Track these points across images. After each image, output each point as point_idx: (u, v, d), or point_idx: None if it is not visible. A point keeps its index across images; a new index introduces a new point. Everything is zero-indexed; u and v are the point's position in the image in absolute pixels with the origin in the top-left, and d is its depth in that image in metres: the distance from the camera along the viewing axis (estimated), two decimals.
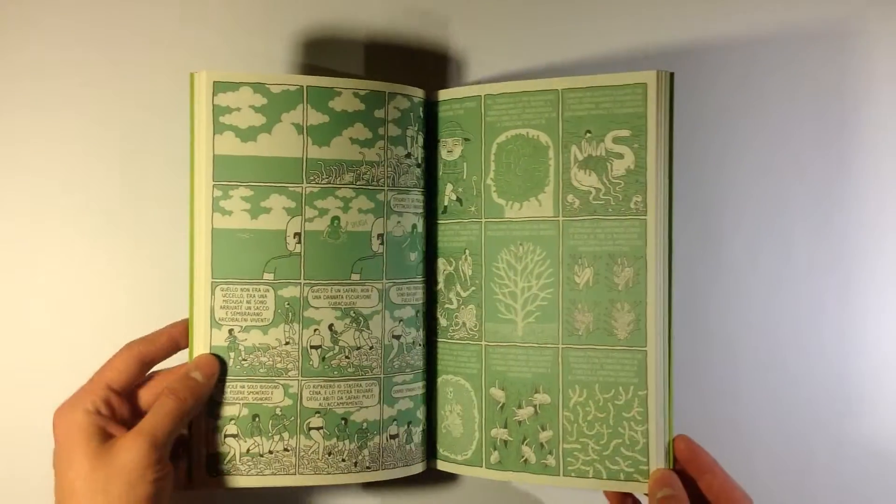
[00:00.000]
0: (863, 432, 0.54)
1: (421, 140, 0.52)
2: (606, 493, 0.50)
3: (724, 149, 0.55)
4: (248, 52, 0.55)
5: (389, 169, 0.50)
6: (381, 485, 0.55)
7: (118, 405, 0.45)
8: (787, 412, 0.55)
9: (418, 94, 0.51)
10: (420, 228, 0.52)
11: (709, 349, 0.55)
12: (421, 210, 0.52)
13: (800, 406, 0.55)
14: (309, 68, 0.56)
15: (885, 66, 0.54)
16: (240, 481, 0.48)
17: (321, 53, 0.56)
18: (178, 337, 0.48)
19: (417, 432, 0.51)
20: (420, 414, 0.51)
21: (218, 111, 0.47)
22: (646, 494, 0.47)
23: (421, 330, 0.52)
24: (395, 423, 0.50)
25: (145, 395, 0.46)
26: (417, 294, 0.52)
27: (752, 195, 0.55)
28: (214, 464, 0.48)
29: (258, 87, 0.47)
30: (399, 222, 0.50)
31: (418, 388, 0.51)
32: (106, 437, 0.43)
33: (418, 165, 0.51)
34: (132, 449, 0.42)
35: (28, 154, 0.54)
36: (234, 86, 0.47)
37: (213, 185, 0.47)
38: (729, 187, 0.55)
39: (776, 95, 0.55)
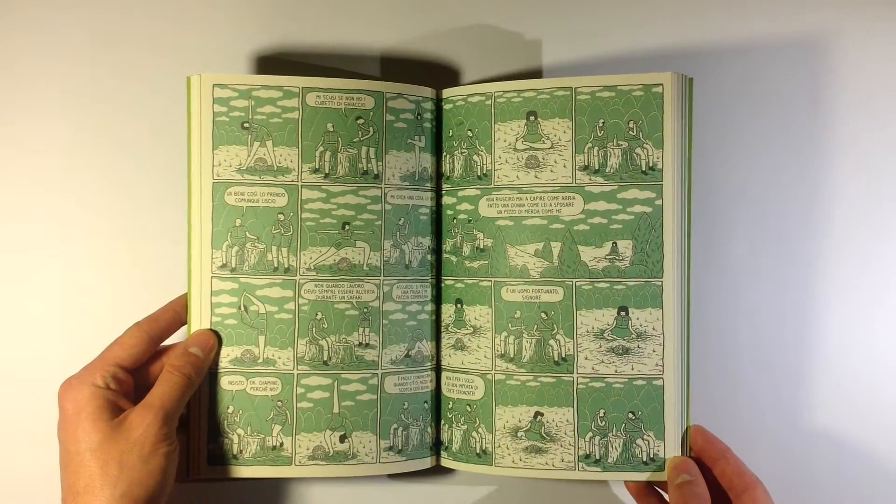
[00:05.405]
0: (863, 432, 0.55)
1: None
2: (627, 485, 0.52)
3: (724, 149, 0.55)
4: (245, 57, 0.56)
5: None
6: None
7: (126, 381, 0.46)
8: (787, 411, 0.55)
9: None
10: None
11: (708, 349, 0.55)
12: None
13: (799, 405, 0.55)
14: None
15: (885, 66, 0.55)
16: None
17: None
18: (180, 309, 0.49)
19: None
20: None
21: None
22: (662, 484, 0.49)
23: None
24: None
25: (151, 372, 0.48)
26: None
27: (752, 195, 0.55)
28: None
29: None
30: None
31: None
32: (116, 411, 0.44)
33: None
34: (144, 422, 0.44)
35: (27, 155, 0.55)
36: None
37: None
38: (729, 187, 0.55)
39: (776, 95, 0.55)
